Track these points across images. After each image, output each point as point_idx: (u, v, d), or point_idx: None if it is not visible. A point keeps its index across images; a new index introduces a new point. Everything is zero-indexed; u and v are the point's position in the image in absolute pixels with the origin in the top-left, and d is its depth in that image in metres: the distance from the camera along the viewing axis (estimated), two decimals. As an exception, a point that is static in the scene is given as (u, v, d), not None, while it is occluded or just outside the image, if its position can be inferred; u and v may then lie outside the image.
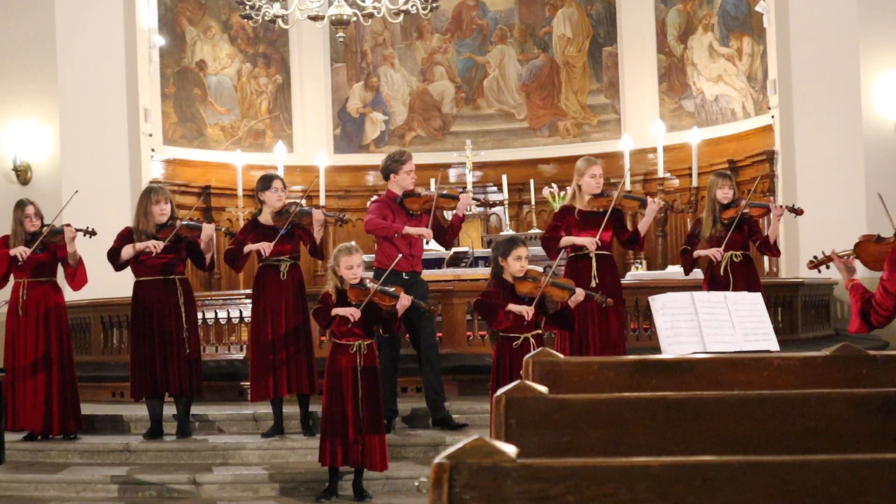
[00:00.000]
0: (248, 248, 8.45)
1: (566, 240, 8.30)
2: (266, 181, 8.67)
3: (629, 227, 8.84)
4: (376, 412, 7.33)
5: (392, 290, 7.35)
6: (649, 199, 8.51)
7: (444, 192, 8.73)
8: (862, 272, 6.86)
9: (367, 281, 7.36)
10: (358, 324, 7.23)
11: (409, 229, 8.39)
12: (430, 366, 8.54)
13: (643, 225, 8.47)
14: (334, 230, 13.88)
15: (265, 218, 8.58)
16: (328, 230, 12.81)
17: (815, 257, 7.05)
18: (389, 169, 8.61)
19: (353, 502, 7.44)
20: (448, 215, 9.70)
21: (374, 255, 8.98)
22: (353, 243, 7.56)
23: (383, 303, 7.24)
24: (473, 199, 9.08)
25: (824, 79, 11.96)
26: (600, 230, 8.20)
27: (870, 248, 6.53)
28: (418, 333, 8.56)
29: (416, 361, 8.68)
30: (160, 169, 13.82)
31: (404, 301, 7.25)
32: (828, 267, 6.95)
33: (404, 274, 8.47)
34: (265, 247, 8.37)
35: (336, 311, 7.19)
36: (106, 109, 12.63)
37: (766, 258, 11.97)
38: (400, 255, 8.09)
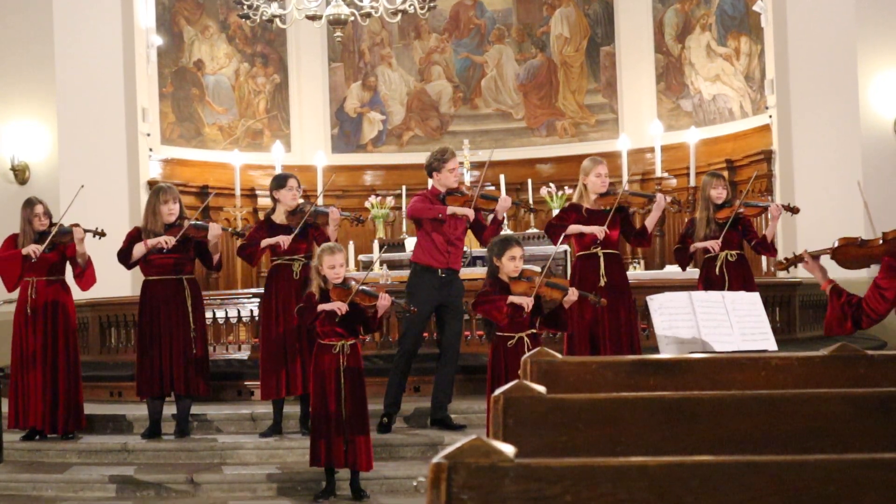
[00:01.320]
0: (266, 241, 8.41)
1: (573, 227, 8.32)
2: (281, 180, 8.66)
3: (636, 225, 8.85)
4: (361, 412, 7.30)
5: (373, 289, 7.36)
6: (658, 195, 8.56)
7: (485, 192, 8.77)
8: (832, 272, 6.80)
9: (351, 281, 7.35)
10: (341, 323, 7.23)
11: (452, 208, 8.36)
12: (448, 365, 8.52)
13: (650, 221, 8.51)
14: (344, 229, 13.90)
15: (279, 217, 8.56)
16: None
17: (786, 258, 7.03)
18: (433, 167, 8.55)
19: (351, 502, 7.44)
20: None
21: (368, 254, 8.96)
22: (336, 243, 7.57)
23: (364, 302, 7.23)
24: (514, 202, 9.06)
25: (822, 78, 11.97)
26: (605, 227, 8.23)
27: (851, 251, 6.49)
28: (446, 331, 8.54)
29: (423, 361, 8.66)
30: (158, 168, 13.83)
31: (384, 301, 7.24)
32: (795, 266, 6.93)
33: (440, 271, 8.46)
34: (284, 240, 8.35)
35: (322, 306, 7.19)
36: (104, 109, 12.63)
37: (763, 258, 11.97)
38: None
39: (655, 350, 6.76)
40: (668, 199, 8.61)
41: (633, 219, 8.76)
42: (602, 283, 8.14)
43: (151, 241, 8.52)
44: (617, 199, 8.31)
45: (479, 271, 10.85)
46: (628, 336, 8.33)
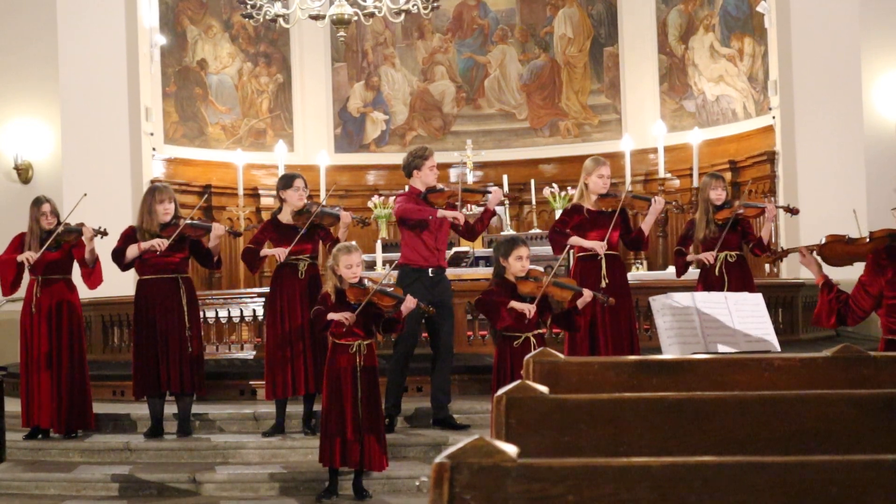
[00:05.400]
0: (265, 252, 8.48)
1: (574, 240, 8.30)
2: (288, 180, 8.68)
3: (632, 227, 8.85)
4: (376, 412, 7.32)
5: (392, 290, 7.33)
6: (656, 198, 8.57)
7: (467, 186, 8.76)
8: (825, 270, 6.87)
9: (367, 280, 7.34)
10: (357, 324, 7.22)
11: (443, 212, 8.35)
12: (443, 365, 8.53)
13: (647, 224, 8.50)
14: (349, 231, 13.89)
15: (285, 217, 8.57)
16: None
17: (774, 252, 7.13)
18: (412, 165, 8.54)
19: (354, 502, 7.44)
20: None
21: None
22: (352, 242, 7.56)
23: (382, 303, 7.22)
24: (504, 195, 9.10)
25: (825, 79, 11.97)
26: (609, 230, 8.22)
27: (837, 248, 6.58)
28: (438, 332, 8.52)
29: (424, 361, 8.67)
30: (161, 168, 13.84)
31: (409, 303, 7.22)
32: (781, 260, 7.03)
33: (430, 270, 8.46)
34: (280, 253, 8.37)
35: (331, 315, 7.18)
36: (107, 108, 12.64)
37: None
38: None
39: (658, 351, 6.76)
40: (664, 203, 8.63)
41: (630, 221, 8.73)
42: (603, 284, 8.12)
43: (145, 245, 8.53)
44: (621, 203, 8.30)
45: (482, 271, 10.85)
46: (628, 337, 8.33)
